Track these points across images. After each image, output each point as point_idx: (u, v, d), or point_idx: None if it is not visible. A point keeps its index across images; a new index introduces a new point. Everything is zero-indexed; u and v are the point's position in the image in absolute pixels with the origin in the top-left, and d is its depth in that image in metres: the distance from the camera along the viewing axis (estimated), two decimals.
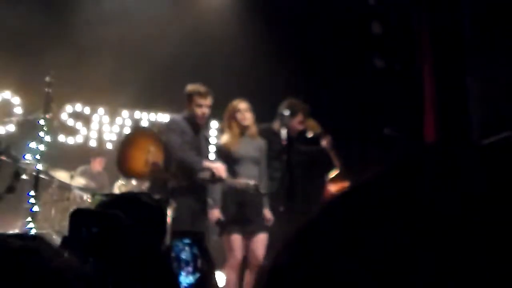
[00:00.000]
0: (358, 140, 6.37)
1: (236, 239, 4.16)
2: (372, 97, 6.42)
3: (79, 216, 1.33)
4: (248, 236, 4.19)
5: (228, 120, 4.44)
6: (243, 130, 4.38)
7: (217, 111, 4.57)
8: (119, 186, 6.39)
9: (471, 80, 5.50)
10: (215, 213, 4.17)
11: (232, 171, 4.20)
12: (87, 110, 7.83)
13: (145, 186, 5.93)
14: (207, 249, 1.65)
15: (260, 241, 4.19)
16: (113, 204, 1.72)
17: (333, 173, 4.82)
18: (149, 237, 1.76)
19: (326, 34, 6.73)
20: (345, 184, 4.75)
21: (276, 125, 4.69)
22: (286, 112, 4.50)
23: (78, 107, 7.80)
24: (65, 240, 1.31)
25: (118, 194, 2.02)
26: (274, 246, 4.16)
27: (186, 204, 4.03)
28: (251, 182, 4.05)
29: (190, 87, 4.40)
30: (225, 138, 4.41)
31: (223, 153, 4.33)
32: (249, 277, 4.21)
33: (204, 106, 4.30)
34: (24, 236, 0.79)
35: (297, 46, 7.03)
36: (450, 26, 5.76)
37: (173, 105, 4.68)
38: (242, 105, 4.41)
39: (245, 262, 4.29)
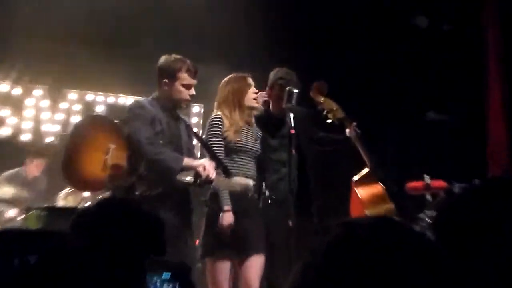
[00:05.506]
0: (394, 129, 6.35)
1: (224, 267, 4.11)
2: (411, 71, 6.38)
3: (5, 242, 1.21)
4: (240, 261, 4.13)
5: (236, 99, 4.35)
6: (251, 113, 4.36)
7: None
8: (65, 196, 6.28)
9: None
10: (228, 218, 4.05)
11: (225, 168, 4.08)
12: (17, 91, 7.66)
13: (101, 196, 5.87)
14: (193, 285, 1.71)
15: (255, 265, 4.13)
16: (101, 214, 1.71)
17: (361, 172, 4.76)
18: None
19: None
20: (377, 186, 4.68)
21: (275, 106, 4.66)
22: (295, 89, 4.39)
23: (5, 87, 7.61)
24: None
25: (102, 200, 2.01)
26: (276, 270, 4.19)
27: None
28: (251, 183, 4.03)
29: (168, 60, 4.21)
30: (228, 125, 4.30)
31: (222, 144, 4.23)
32: None
33: (193, 87, 4.20)
34: None
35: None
36: None
37: (139, 85, 4.56)
38: (251, 80, 4.37)
39: None
